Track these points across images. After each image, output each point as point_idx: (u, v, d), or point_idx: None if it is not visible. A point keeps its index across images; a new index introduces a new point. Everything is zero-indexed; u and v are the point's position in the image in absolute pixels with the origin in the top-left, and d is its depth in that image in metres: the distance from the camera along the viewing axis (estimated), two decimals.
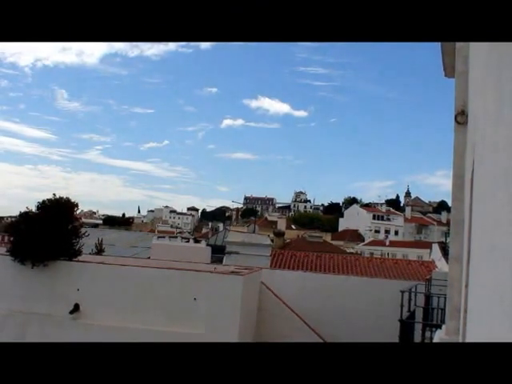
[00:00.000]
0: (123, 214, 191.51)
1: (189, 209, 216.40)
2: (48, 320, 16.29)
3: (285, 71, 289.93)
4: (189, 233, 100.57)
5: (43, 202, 17.51)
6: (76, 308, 16.29)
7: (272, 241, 41.90)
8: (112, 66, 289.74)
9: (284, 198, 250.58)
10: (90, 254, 22.87)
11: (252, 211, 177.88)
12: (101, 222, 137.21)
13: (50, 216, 17.05)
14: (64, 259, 17.06)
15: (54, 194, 17.83)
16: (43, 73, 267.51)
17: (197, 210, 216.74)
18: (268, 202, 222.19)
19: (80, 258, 17.61)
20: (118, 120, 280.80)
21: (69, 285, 16.74)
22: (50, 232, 16.69)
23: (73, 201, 18.09)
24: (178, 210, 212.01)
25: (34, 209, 17.53)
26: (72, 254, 17.34)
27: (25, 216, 17.44)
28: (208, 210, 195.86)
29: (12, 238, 17.54)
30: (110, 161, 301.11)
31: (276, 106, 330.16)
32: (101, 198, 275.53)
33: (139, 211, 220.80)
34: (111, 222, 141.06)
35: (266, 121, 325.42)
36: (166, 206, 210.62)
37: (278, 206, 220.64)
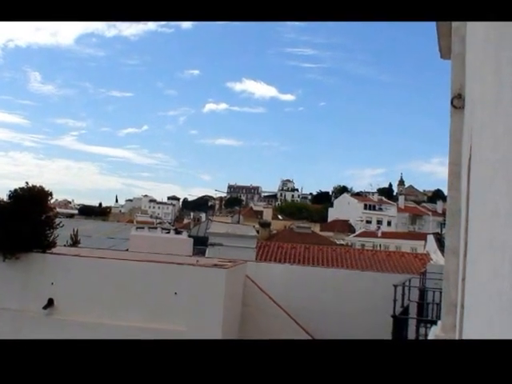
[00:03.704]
0: (100, 204, 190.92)
1: (169, 198, 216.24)
2: (20, 316, 16.25)
3: (271, 52, 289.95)
4: (169, 223, 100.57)
5: (15, 190, 17.42)
6: (50, 303, 16.25)
7: (257, 232, 42.00)
8: (88, 46, 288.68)
9: (270, 186, 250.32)
10: (64, 245, 22.76)
11: (236, 200, 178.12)
12: (76, 211, 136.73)
13: (22, 206, 16.96)
14: (37, 251, 17.01)
15: (27, 183, 17.76)
16: (15, 54, 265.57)
17: (178, 199, 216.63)
18: (253, 190, 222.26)
19: (54, 250, 17.55)
20: (95, 104, 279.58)
21: (42, 279, 16.69)
22: (22, 223, 16.62)
23: (46, 189, 18.01)
24: (158, 200, 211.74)
25: (5, 198, 17.45)
26: (46, 245, 17.28)
27: None
28: (190, 199, 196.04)
29: None
30: (86, 147, 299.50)
31: (261, 90, 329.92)
32: (76, 187, 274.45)
33: (117, 200, 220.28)
34: (87, 211, 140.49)
35: (251, 105, 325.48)
36: (146, 195, 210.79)
37: (263, 194, 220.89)
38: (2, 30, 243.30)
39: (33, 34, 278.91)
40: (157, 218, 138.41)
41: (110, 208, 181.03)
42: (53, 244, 17.61)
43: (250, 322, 19.34)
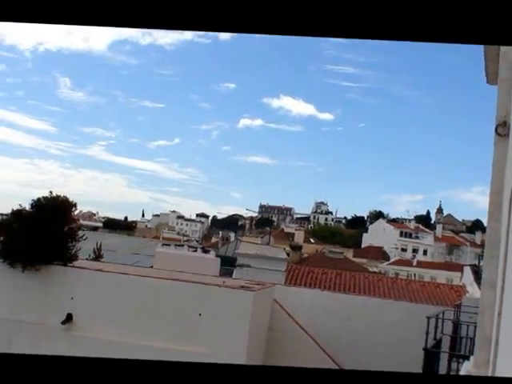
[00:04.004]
0: (125, 218, 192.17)
1: (198, 215, 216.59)
2: (37, 330, 16.37)
3: (311, 69, 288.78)
4: (197, 241, 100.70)
5: (38, 199, 17.62)
6: (69, 318, 16.37)
7: (288, 255, 41.92)
8: (121, 53, 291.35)
9: (303, 208, 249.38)
10: (86, 259, 22.98)
11: (267, 221, 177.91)
12: (101, 224, 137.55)
13: (44, 216, 17.15)
14: (58, 264, 17.16)
15: (51, 192, 17.96)
16: (45, 58, 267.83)
17: (207, 216, 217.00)
18: (285, 211, 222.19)
19: (76, 263, 17.71)
20: (125, 114, 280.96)
21: (62, 292, 16.83)
22: (44, 233, 16.79)
23: (71, 200, 18.21)
24: (186, 216, 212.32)
25: (27, 207, 17.65)
26: (67, 258, 17.45)
27: (17, 214, 17.55)
28: (219, 217, 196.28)
29: (2, 238, 17.63)
30: (114, 158, 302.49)
31: (299, 107, 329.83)
32: (102, 199, 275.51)
33: (143, 215, 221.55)
34: (112, 225, 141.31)
35: (288, 122, 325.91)
36: (173, 211, 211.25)
37: (296, 216, 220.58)
38: (31, 32, 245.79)
39: (64, 38, 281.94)
40: (184, 235, 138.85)
41: (135, 222, 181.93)
42: (74, 257, 17.77)
43: (276, 348, 19.29)
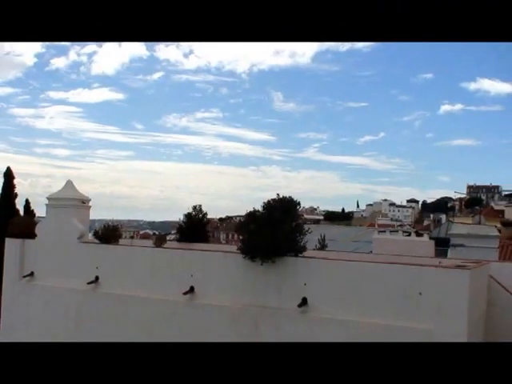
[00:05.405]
0: (342, 209, 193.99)
1: (408, 201, 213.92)
2: (279, 313, 17.24)
3: (501, 47, 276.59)
4: (409, 225, 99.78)
5: (268, 201, 18.42)
6: (304, 302, 17.05)
7: (499, 231, 40.68)
8: (323, 63, 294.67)
9: (510, 184, 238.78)
10: (313, 249, 23.59)
11: (476, 200, 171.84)
12: (322, 217, 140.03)
13: (274, 215, 17.94)
14: (290, 255, 17.85)
15: (278, 194, 18.68)
16: (259, 77, 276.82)
17: (417, 201, 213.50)
18: (493, 189, 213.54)
19: (305, 253, 18.19)
20: (333, 116, 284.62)
21: (296, 280, 17.46)
22: (275, 230, 17.55)
23: (295, 199, 18.83)
24: (397, 203, 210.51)
25: (259, 208, 18.52)
26: (297, 250, 17.98)
27: (252, 215, 18.48)
28: (428, 201, 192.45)
29: (241, 237, 18.72)
30: (327, 157, 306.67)
31: (497, 87, 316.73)
32: (320, 194, 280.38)
33: (358, 205, 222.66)
34: (331, 217, 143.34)
35: (488, 103, 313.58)
36: (385, 199, 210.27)
37: (504, 193, 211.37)
38: (246, 56, 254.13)
39: (273, 58, 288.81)
40: (397, 220, 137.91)
41: (352, 213, 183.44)
42: (303, 248, 18.27)
43: (496, 321, 18.94)
